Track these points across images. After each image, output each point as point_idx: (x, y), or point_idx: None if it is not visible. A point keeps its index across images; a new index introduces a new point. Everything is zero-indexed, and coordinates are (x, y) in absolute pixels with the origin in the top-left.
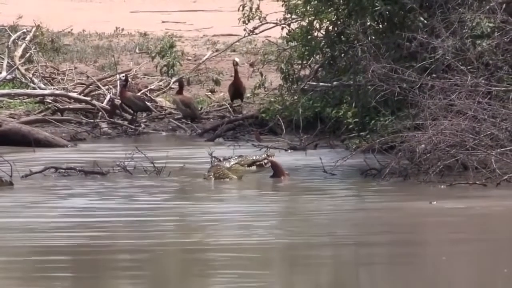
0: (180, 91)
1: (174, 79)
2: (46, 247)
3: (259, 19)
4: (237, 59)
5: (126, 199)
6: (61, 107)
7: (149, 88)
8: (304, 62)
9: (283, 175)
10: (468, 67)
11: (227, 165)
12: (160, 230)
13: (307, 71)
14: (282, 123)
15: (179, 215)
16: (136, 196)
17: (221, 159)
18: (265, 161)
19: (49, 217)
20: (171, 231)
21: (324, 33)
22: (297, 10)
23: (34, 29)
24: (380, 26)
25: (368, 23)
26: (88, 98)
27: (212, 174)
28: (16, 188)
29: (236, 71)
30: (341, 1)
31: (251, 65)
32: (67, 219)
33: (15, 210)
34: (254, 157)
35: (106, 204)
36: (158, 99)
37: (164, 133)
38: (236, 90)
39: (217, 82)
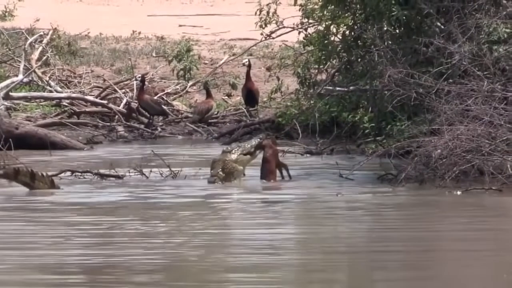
0: (208, 95)
1: (190, 82)
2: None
3: (276, 23)
4: (245, 60)
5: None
6: (78, 110)
7: (165, 91)
8: (321, 66)
9: (272, 175)
10: (485, 73)
11: (233, 157)
12: None
13: (323, 76)
14: (299, 128)
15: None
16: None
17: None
18: (254, 149)
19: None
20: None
21: (341, 37)
22: (314, 14)
23: (51, 32)
24: (397, 31)
25: (385, 28)
26: (105, 102)
27: (221, 170)
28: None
29: (248, 73)
30: (358, 6)
31: (268, 69)
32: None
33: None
34: (251, 143)
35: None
36: (174, 102)
37: (180, 137)
38: (249, 92)
39: (233, 86)
